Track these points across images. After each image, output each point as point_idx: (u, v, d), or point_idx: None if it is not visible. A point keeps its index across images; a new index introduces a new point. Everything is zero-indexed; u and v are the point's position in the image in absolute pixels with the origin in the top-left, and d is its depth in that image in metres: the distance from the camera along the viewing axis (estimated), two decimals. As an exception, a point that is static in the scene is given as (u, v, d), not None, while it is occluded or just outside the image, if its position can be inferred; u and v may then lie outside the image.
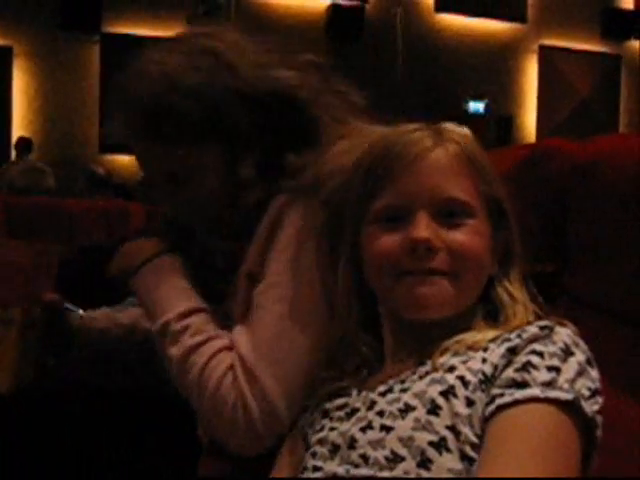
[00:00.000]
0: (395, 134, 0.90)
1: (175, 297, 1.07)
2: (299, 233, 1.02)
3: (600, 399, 0.76)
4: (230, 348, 1.01)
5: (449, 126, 0.91)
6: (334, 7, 8.08)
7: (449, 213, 0.85)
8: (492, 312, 0.89)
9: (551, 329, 0.79)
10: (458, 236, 0.85)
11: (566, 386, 0.74)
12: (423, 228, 0.84)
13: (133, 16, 7.88)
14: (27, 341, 1.08)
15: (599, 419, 0.76)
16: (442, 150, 0.87)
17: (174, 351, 1.03)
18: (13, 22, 7.59)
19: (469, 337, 0.84)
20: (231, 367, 0.99)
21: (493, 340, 0.82)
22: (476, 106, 8.29)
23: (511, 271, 0.90)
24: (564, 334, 0.79)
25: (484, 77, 8.35)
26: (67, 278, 2.72)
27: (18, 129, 7.73)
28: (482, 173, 0.88)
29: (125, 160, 7.35)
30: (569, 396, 0.74)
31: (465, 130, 0.92)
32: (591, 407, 0.75)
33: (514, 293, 0.88)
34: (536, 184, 1.06)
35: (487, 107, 8.39)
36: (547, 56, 8.98)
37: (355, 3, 8.21)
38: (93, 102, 7.92)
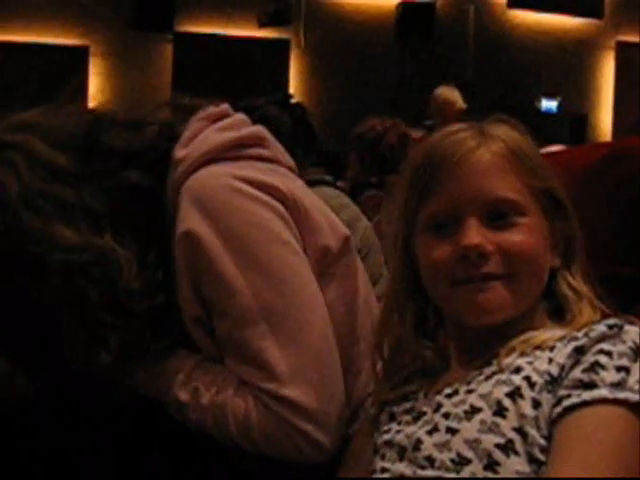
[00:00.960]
0: (437, 137, 0.89)
1: (169, 371, 1.05)
2: (233, 253, 0.99)
3: None
4: (241, 384, 1.01)
5: (493, 123, 0.89)
6: (404, 4, 8.01)
7: (499, 214, 0.84)
8: (557, 308, 0.87)
9: (620, 327, 0.77)
10: (510, 237, 0.83)
11: (636, 387, 0.72)
12: (473, 234, 0.82)
13: (205, 15, 8.01)
14: None
15: None
16: (485, 150, 0.85)
17: (196, 416, 1.02)
18: (90, 23, 7.81)
19: (536, 336, 0.82)
20: (258, 404, 0.99)
21: (560, 339, 0.80)
22: (549, 104, 8.11)
23: (572, 264, 0.88)
24: (634, 333, 0.76)
25: (558, 75, 8.15)
26: None
27: (93, 126, 7.95)
28: (531, 167, 0.86)
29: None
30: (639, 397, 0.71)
31: (511, 125, 0.90)
32: None
33: (577, 287, 0.86)
34: (614, 184, 1.03)
35: (560, 105, 8.19)
36: (624, 53, 8.71)
37: (425, 0, 8.13)
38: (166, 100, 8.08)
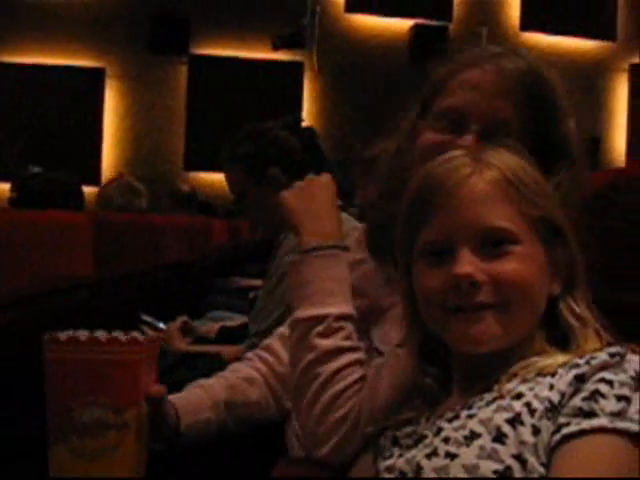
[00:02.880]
0: (433, 164, 0.89)
1: (340, 296, 1.07)
2: None
3: None
4: (362, 363, 1.05)
5: (492, 149, 0.89)
6: (417, 27, 8.07)
7: (492, 243, 0.83)
8: (561, 336, 0.86)
9: (622, 356, 0.76)
10: (503, 266, 0.83)
11: (637, 417, 0.71)
12: (465, 264, 0.82)
13: (219, 38, 8.09)
14: (142, 442, 0.99)
15: None
16: (479, 177, 0.85)
17: (323, 342, 1.04)
18: (106, 45, 7.91)
19: (538, 361, 0.82)
20: (362, 379, 1.03)
21: (562, 365, 0.79)
22: (562, 126, 8.10)
23: (575, 291, 0.87)
24: (636, 362, 0.75)
25: (571, 97, 8.15)
26: (147, 292, 2.77)
27: (108, 147, 8.03)
28: (527, 196, 0.85)
29: (209, 177, 7.52)
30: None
31: (512, 150, 0.89)
32: None
33: (581, 314, 0.85)
34: (620, 212, 1.03)
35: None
36: (638, 75, 8.70)
37: (439, 23, 8.18)
38: (180, 121, 8.15)
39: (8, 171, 3.80)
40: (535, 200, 0.86)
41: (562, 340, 0.86)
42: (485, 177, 0.85)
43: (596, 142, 8.49)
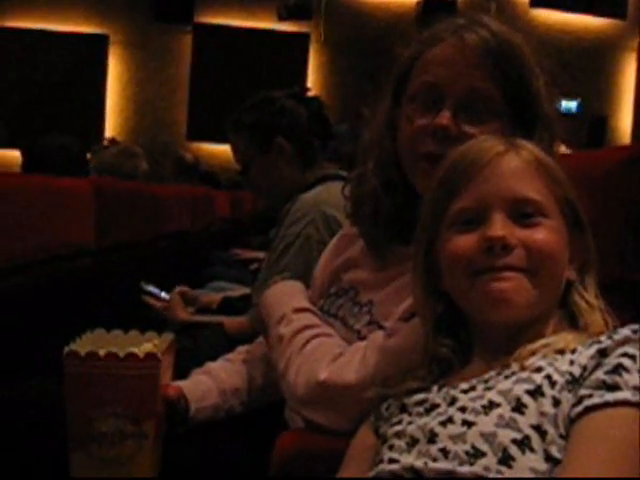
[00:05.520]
0: (469, 144, 0.92)
1: (295, 300, 1.19)
2: None
3: None
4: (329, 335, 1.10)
5: (519, 139, 0.93)
6: (425, 1, 7.99)
7: (524, 213, 0.86)
8: (570, 318, 0.88)
9: None
10: (534, 234, 0.85)
11: None
12: (499, 227, 0.84)
13: (225, 7, 8.02)
14: (158, 445, 1.03)
15: None
16: (514, 154, 0.89)
17: (288, 328, 1.11)
18: (110, 12, 7.85)
19: (557, 340, 0.82)
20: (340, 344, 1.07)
21: (582, 342, 0.80)
22: (568, 105, 8.06)
23: (586, 279, 0.89)
24: None
25: (579, 75, 8.09)
26: (150, 261, 2.75)
27: (111, 114, 7.99)
28: (555, 177, 0.89)
29: (211, 148, 7.50)
30: None
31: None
32: None
33: (590, 300, 0.88)
34: (634, 187, 1.01)
35: (579, 106, 8.14)
36: (647, 54, 8.63)
37: (447, -4, 8.09)
38: (183, 91, 8.10)
39: (17, 137, 3.78)
40: (562, 183, 0.89)
41: (569, 325, 0.87)
42: (520, 155, 0.89)
43: (602, 121, 8.45)
